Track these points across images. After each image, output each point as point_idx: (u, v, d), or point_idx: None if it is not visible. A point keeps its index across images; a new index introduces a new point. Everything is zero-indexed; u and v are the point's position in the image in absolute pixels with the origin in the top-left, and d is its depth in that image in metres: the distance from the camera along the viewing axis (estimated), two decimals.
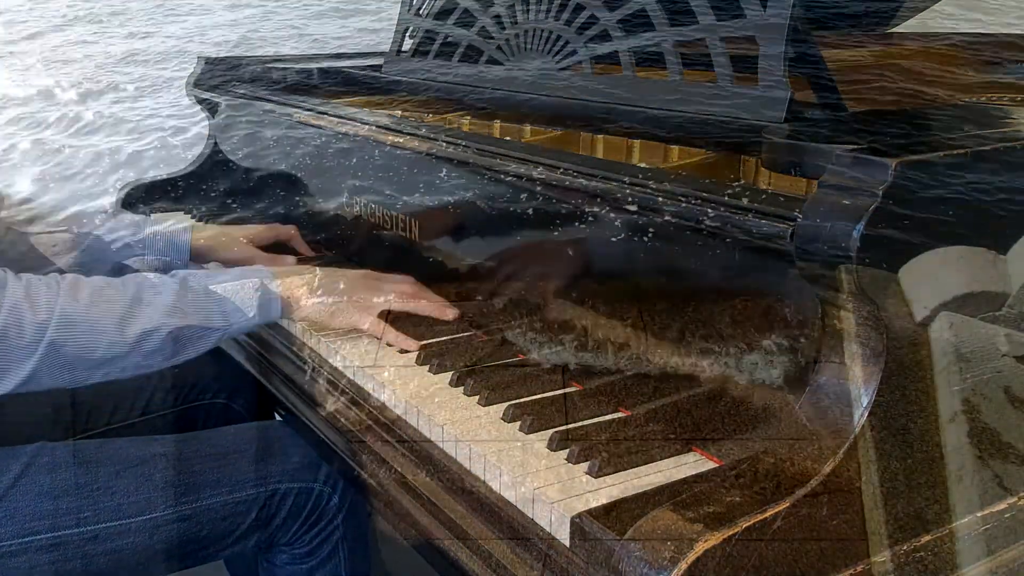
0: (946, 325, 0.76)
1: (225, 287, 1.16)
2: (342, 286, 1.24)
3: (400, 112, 1.61)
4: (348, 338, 1.24)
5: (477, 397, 1.04)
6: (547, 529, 0.84)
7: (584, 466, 0.89)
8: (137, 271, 1.48)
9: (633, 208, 0.99)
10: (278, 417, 1.48)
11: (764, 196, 0.89)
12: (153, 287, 1.12)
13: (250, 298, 1.17)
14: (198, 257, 1.53)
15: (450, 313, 1.26)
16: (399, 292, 1.26)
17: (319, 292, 1.22)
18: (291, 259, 1.53)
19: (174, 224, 1.52)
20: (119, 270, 1.46)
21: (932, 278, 0.77)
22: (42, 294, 1.06)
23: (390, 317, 1.24)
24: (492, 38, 1.47)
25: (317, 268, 1.26)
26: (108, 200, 1.95)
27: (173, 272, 1.17)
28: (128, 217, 1.51)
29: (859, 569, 0.78)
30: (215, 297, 1.15)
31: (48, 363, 1.05)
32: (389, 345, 1.20)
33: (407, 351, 1.18)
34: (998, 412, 0.79)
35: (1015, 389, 0.80)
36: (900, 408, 0.78)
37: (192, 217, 1.89)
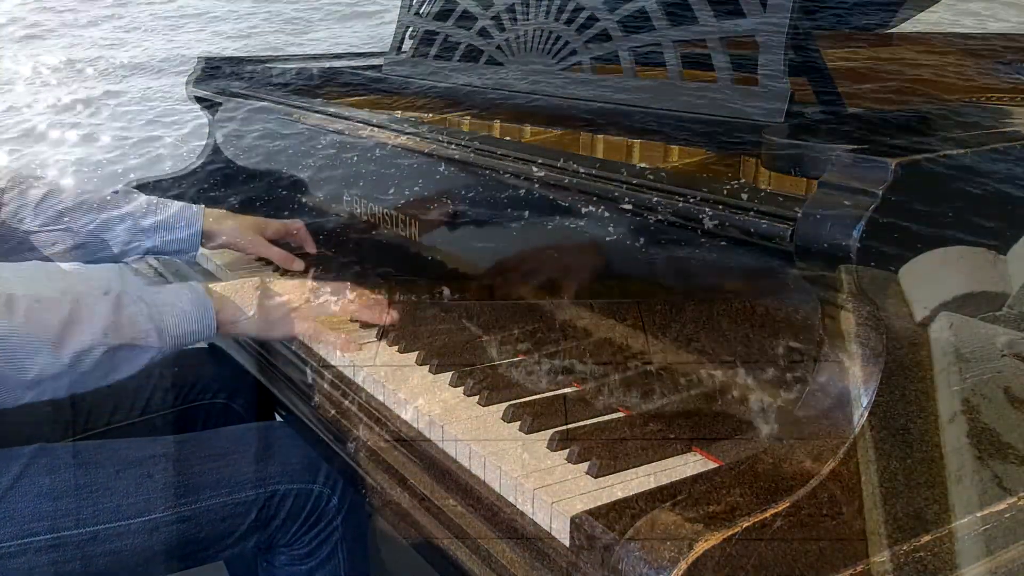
0: (946, 325, 0.76)
1: (160, 306, 1.14)
2: (277, 299, 1.24)
3: (400, 112, 1.61)
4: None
5: (477, 397, 1.04)
6: (547, 529, 0.84)
7: (584, 466, 0.89)
8: (135, 270, 1.49)
9: (633, 208, 0.99)
10: (278, 417, 1.48)
11: (764, 196, 0.88)
12: (88, 305, 1.10)
13: (185, 316, 1.16)
14: (208, 241, 1.52)
15: (388, 317, 1.26)
16: (336, 297, 1.27)
17: (254, 306, 1.22)
18: (301, 263, 1.53)
19: (185, 210, 1.52)
20: (129, 248, 1.46)
21: (932, 278, 0.77)
22: None
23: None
24: (492, 38, 1.47)
25: (257, 281, 1.25)
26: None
27: (107, 290, 1.15)
28: (142, 198, 1.51)
29: (859, 569, 0.78)
30: (149, 315, 1.13)
31: None
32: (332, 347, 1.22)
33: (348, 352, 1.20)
34: (998, 412, 0.79)
35: (1015, 389, 0.80)
36: (900, 408, 0.78)
37: None
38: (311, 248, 1.59)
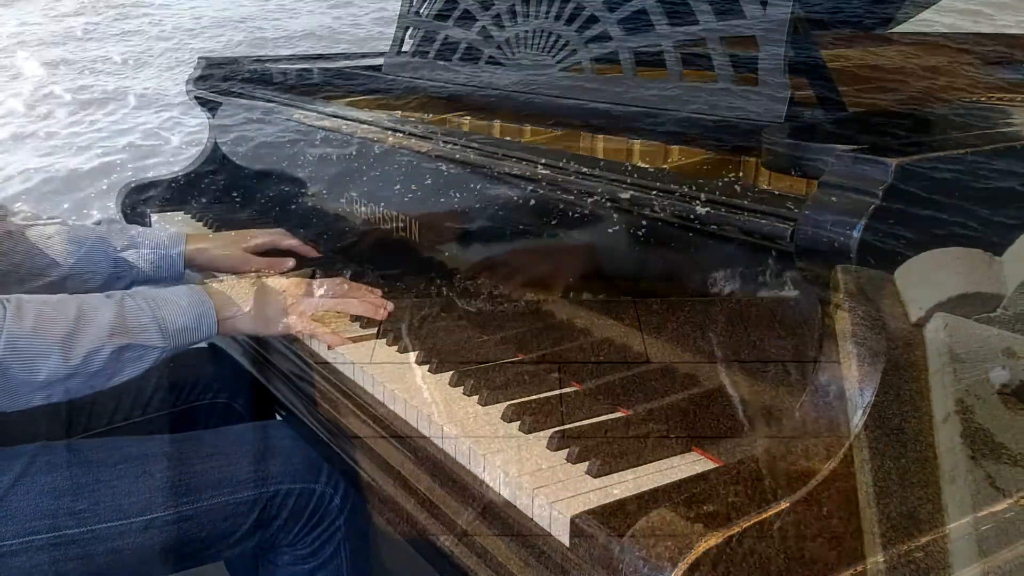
0: (941, 326, 0.76)
1: (161, 306, 1.16)
2: (273, 296, 1.26)
3: (400, 112, 1.61)
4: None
5: (476, 397, 1.04)
6: (547, 529, 0.84)
7: (584, 466, 0.89)
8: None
9: (633, 208, 0.99)
10: (279, 417, 1.48)
11: (764, 196, 0.89)
12: (93, 308, 1.12)
13: (185, 315, 1.17)
14: (192, 265, 1.53)
15: (382, 311, 1.27)
16: (331, 293, 1.28)
17: (252, 304, 1.23)
18: (290, 262, 1.53)
19: (165, 233, 1.52)
20: (115, 277, 1.46)
21: (928, 279, 0.77)
22: None
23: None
24: (492, 38, 1.47)
25: (253, 278, 1.28)
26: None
27: (109, 292, 1.16)
28: (120, 228, 1.51)
29: (859, 569, 0.78)
30: (152, 315, 1.14)
31: None
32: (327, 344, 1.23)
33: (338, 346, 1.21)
34: (991, 413, 0.79)
35: (1008, 390, 0.80)
36: (895, 408, 0.78)
37: (192, 217, 1.89)
38: (306, 251, 1.58)
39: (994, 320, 0.80)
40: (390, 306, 1.28)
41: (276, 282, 1.29)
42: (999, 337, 0.80)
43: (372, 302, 1.29)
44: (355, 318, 1.28)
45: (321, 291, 1.28)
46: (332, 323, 1.27)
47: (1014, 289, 0.81)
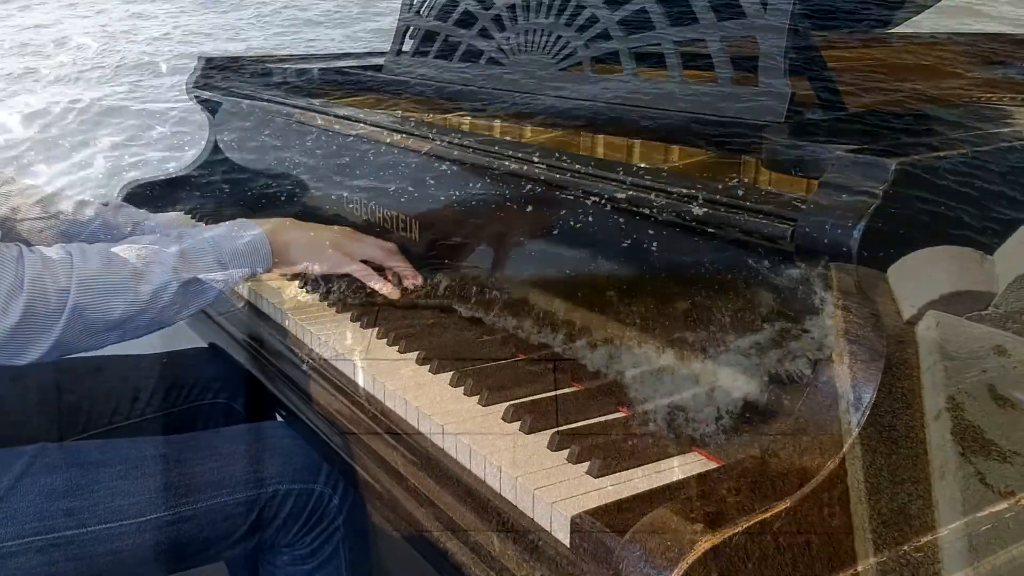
0: (933, 324, 0.77)
1: (219, 240, 1.20)
2: (326, 236, 1.30)
3: (400, 112, 1.61)
4: (347, 339, 1.24)
5: (477, 397, 1.04)
6: (547, 529, 0.84)
7: (584, 466, 0.89)
8: None
9: (633, 208, 0.99)
10: (279, 417, 1.48)
11: (764, 196, 0.89)
12: (154, 244, 1.17)
13: (241, 248, 1.21)
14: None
15: (413, 281, 1.31)
16: (378, 247, 1.33)
17: (304, 241, 1.27)
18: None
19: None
20: None
21: (920, 277, 0.77)
22: (58, 263, 1.09)
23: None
24: (492, 38, 1.47)
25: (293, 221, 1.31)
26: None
27: (166, 231, 1.19)
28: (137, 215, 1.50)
29: (859, 569, 0.78)
30: (211, 249, 1.19)
31: (71, 329, 1.08)
32: (374, 292, 1.29)
33: (392, 298, 1.28)
34: (982, 410, 0.80)
35: (999, 388, 0.81)
36: (887, 405, 0.79)
37: (192, 217, 1.89)
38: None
39: (985, 318, 0.81)
40: (419, 278, 1.31)
41: (324, 227, 1.32)
42: (990, 335, 0.81)
43: (411, 269, 1.32)
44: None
45: (370, 244, 1.33)
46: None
47: (1005, 288, 0.82)
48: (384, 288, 1.29)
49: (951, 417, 0.77)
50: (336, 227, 1.34)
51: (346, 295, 1.35)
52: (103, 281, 1.10)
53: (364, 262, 1.32)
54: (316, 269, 1.30)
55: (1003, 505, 0.83)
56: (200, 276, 1.16)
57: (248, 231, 1.24)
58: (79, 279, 1.08)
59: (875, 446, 0.77)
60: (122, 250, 1.14)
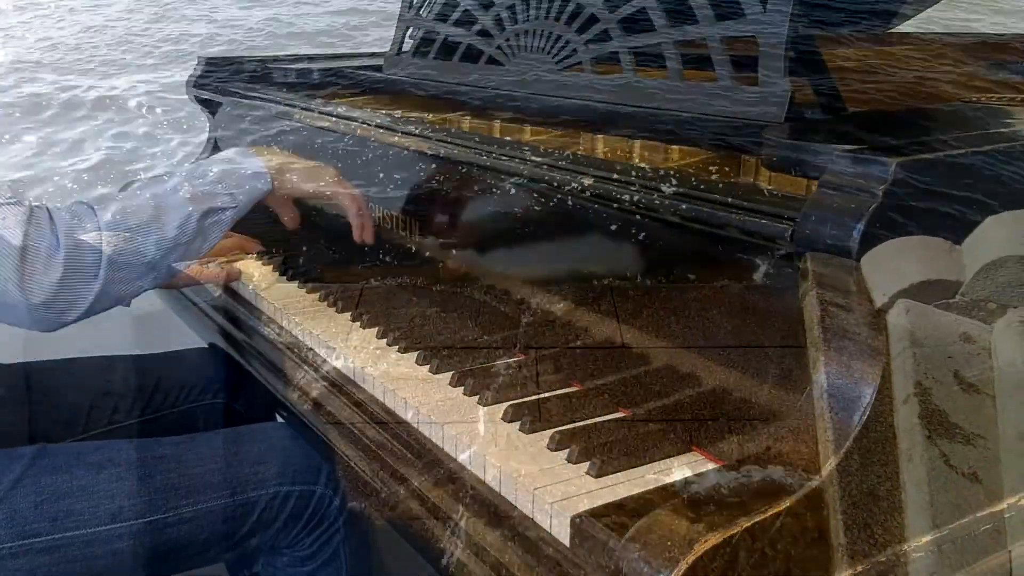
0: (903, 311, 0.78)
1: (221, 169, 1.23)
2: (320, 167, 1.34)
3: (400, 112, 1.61)
4: (347, 339, 1.24)
5: (477, 397, 1.04)
6: (547, 529, 0.84)
7: (584, 466, 0.89)
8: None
9: (633, 208, 0.99)
10: (279, 418, 1.48)
11: (764, 196, 0.88)
12: (163, 187, 1.18)
13: (243, 175, 1.23)
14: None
15: (368, 238, 1.36)
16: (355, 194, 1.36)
17: (295, 164, 1.30)
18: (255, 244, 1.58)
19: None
20: None
21: (892, 266, 0.79)
22: (83, 216, 1.11)
23: None
24: (492, 38, 1.47)
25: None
26: None
27: (168, 172, 1.23)
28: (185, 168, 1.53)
29: (860, 569, 0.78)
30: (217, 179, 1.21)
31: (109, 279, 1.10)
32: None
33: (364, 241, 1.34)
34: (947, 395, 0.81)
35: (963, 373, 0.82)
36: (852, 384, 0.79)
37: None
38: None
39: (952, 306, 0.83)
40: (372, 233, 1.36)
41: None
42: (957, 323, 0.82)
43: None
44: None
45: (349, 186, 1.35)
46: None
47: (971, 276, 0.83)
48: (362, 232, 1.33)
49: (919, 402, 0.78)
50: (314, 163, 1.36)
51: (338, 293, 1.36)
52: (129, 225, 1.12)
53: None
54: (316, 189, 1.32)
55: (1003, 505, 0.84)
56: (212, 206, 1.19)
57: (247, 161, 1.26)
58: (107, 227, 1.10)
59: (848, 430, 0.78)
60: (134, 195, 1.16)
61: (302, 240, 1.62)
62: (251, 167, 1.25)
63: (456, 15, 1.55)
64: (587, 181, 1.05)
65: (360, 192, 1.36)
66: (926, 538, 0.79)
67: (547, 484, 0.86)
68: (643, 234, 1.01)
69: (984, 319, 0.84)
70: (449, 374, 1.10)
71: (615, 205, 1.02)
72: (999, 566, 0.84)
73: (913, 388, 0.78)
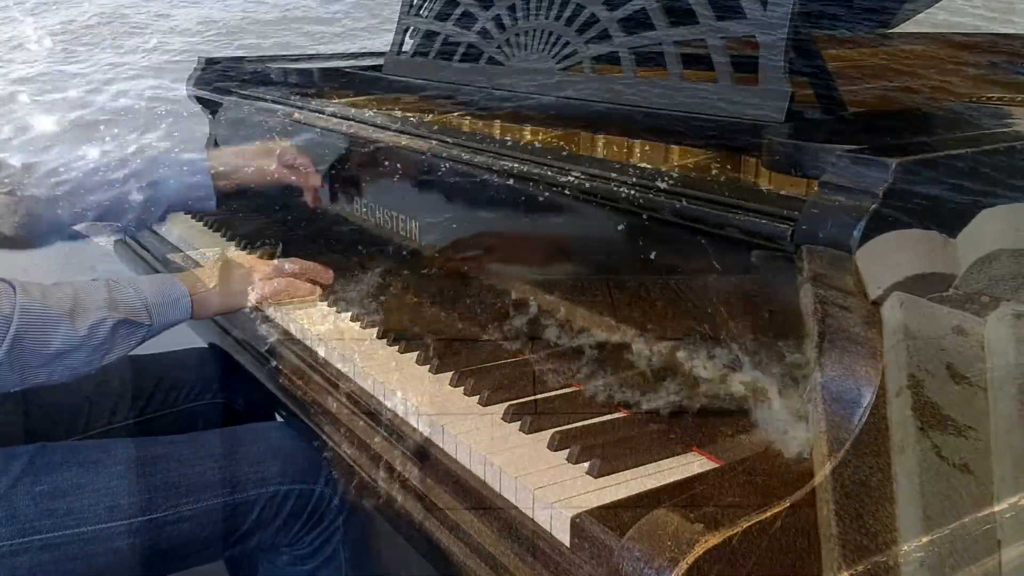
0: (897, 304, 0.78)
1: (142, 287, 1.21)
2: (238, 270, 1.32)
3: (400, 112, 1.61)
4: (347, 340, 1.24)
5: (477, 397, 1.04)
6: (547, 529, 0.84)
7: (584, 466, 0.89)
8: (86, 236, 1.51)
9: (633, 208, 0.99)
10: (278, 417, 1.48)
11: (764, 196, 0.88)
12: (86, 286, 1.17)
13: (164, 299, 1.21)
14: (220, 177, 1.54)
15: (326, 279, 1.37)
16: (287, 263, 1.37)
17: (220, 286, 1.29)
18: (290, 266, 1.54)
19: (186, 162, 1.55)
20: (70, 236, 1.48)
21: (887, 259, 0.79)
22: (2, 294, 1.08)
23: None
24: (492, 38, 1.47)
25: (219, 262, 1.34)
26: None
27: (95, 278, 1.20)
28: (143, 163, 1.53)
29: (860, 569, 0.78)
30: (136, 295, 1.19)
31: (9, 359, 1.07)
32: (289, 298, 1.34)
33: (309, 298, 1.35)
34: (940, 387, 0.81)
35: (956, 366, 0.83)
36: (852, 383, 0.79)
37: (192, 216, 1.89)
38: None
39: (946, 299, 0.83)
40: (330, 274, 1.38)
41: (240, 258, 1.36)
42: (950, 315, 0.83)
43: (321, 269, 1.37)
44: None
45: (277, 266, 1.36)
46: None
47: (965, 270, 0.83)
48: (304, 290, 1.34)
49: (912, 394, 0.79)
50: (250, 258, 1.38)
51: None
52: (44, 312, 1.09)
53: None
54: (241, 303, 1.32)
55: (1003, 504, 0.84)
56: (129, 318, 1.16)
57: (171, 287, 1.24)
58: (21, 307, 1.08)
59: (840, 422, 0.78)
60: (59, 287, 1.14)
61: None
62: (172, 289, 1.23)
63: (456, 15, 1.55)
64: (587, 181, 1.05)
65: (287, 262, 1.37)
66: (919, 532, 0.79)
67: (547, 484, 0.86)
68: (643, 234, 1.01)
69: (977, 312, 0.84)
70: (449, 374, 1.10)
71: (614, 205, 1.02)
72: (991, 564, 0.84)
73: (906, 380, 0.78)
